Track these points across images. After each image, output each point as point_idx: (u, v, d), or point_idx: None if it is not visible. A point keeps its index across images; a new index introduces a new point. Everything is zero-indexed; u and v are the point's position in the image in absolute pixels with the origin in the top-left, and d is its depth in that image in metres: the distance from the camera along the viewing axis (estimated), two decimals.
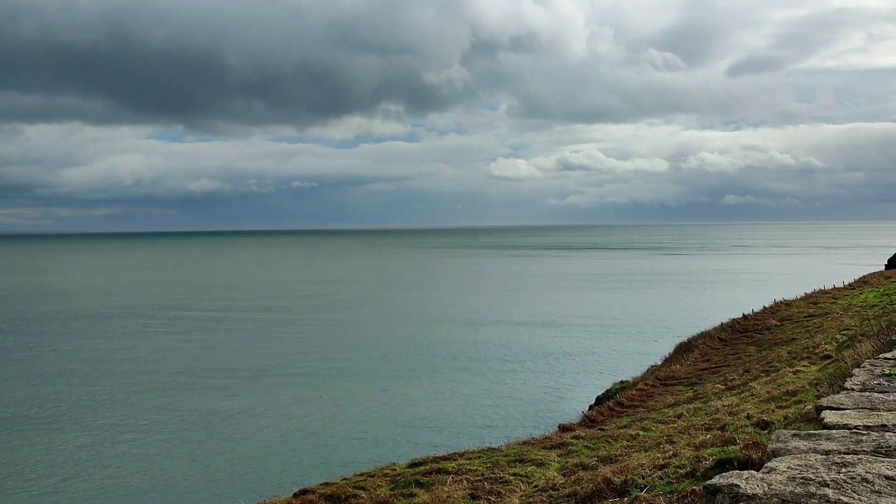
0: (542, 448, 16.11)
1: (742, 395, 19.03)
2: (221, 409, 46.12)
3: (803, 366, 20.62)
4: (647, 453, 13.95)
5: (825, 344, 23.32)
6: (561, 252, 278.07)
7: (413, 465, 16.05)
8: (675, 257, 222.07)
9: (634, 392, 27.74)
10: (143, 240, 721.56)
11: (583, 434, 18.56)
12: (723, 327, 39.06)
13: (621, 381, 36.07)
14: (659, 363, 38.50)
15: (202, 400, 48.35)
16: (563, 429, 23.89)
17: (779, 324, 37.41)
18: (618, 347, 61.72)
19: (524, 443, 17.54)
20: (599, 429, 19.35)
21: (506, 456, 15.50)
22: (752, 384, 20.03)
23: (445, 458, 15.89)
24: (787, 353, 25.06)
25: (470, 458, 15.63)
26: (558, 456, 15.20)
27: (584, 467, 13.63)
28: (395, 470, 16.09)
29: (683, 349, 37.55)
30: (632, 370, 40.88)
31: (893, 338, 8.31)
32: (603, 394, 35.86)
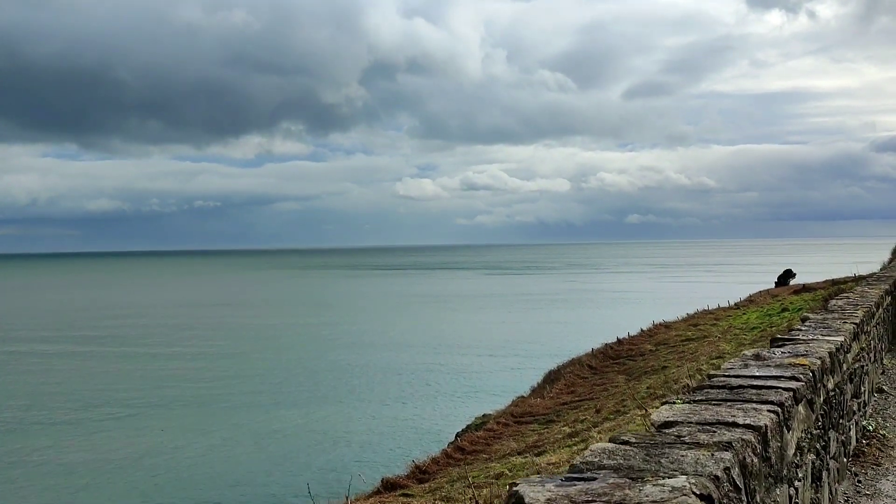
0: None
1: (577, 446, 15.59)
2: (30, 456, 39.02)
3: (655, 406, 17.29)
4: None
5: (686, 378, 20.18)
6: (465, 271, 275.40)
7: None
8: (575, 275, 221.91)
9: (480, 434, 24.17)
10: (40, 261, 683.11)
11: (386, 500, 14.81)
12: (594, 353, 35.83)
13: (483, 415, 32.41)
14: (527, 393, 35.11)
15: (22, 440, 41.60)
16: (386, 486, 20.16)
17: (654, 349, 34.45)
18: (494, 373, 57.36)
19: None
20: (404, 494, 15.63)
21: None
22: (594, 431, 16.64)
23: None
24: (647, 388, 21.90)
25: None
26: None
27: None
28: None
29: (552, 378, 34.19)
30: (503, 400, 36.90)
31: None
32: (462, 430, 32.12)
